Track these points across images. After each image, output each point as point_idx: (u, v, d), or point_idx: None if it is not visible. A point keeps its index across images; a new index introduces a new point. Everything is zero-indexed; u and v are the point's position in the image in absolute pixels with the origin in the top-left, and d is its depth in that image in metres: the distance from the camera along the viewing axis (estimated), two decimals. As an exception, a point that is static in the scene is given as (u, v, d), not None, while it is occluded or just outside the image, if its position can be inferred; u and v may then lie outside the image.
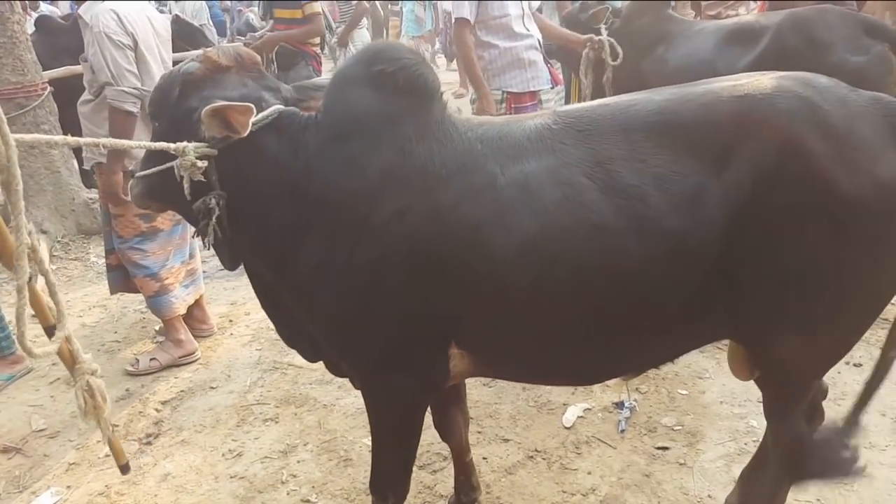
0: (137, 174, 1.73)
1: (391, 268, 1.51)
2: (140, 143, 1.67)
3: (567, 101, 4.85)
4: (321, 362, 1.88)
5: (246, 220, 1.62)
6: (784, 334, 1.53)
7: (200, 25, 6.67)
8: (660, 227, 1.41)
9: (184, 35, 4.93)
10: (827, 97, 1.45)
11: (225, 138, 1.54)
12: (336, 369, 1.84)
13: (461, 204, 1.48)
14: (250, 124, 1.51)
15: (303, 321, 1.71)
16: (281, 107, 1.62)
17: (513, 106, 3.41)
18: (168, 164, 1.59)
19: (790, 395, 1.72)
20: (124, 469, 1.78)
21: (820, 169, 1.38)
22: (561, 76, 3.61)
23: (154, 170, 1.65)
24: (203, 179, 1.55)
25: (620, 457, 2.43)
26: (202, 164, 1.52)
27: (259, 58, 1.72)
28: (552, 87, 3.54)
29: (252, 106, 1.51)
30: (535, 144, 1.51)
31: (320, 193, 1.56)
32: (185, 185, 1.55)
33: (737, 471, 2.34)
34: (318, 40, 4.62)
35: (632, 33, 3.70)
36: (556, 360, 1.65)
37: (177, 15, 6.05)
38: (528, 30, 3.39)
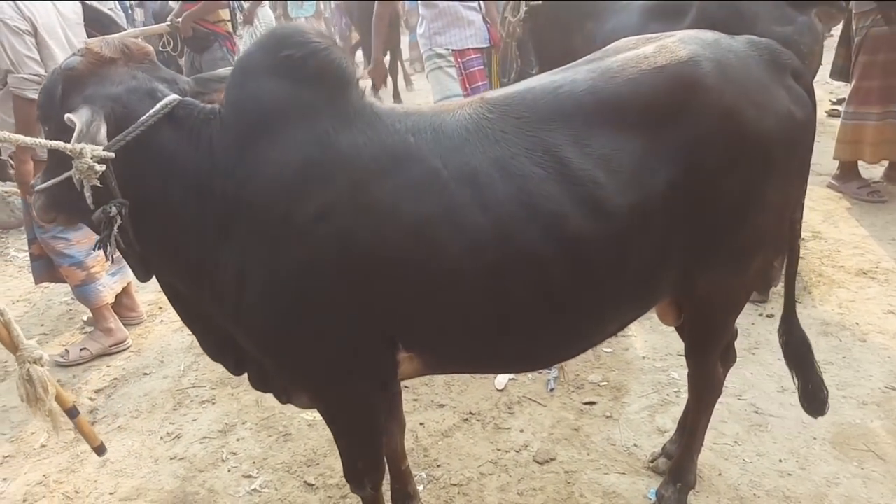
0: (38, 187, 1.56)
1: (322, 272, 1.41)
2: (35, 140, 1.46)
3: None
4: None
5: (151, 227, 1.48)
6: (714, 272, 1.66)
7: (108, 10, 6.38)
8: (615, 206, 1.44)
9: (92, 21, 4.71)
10: (724, 52, 1.56)
11: (118, 140, 1.39)
12: (261, 383, 1.71)
13: (401, 201, 1.40)
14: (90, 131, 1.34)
15: (235, 336, 1.59)
16: (175, 97, 1.48)
17: (460, 61, 3.59)
18: (67, 174, 1.39)
19: (713, 333, 1.88)
20: (100, 450, 1.71)
21: (741, 119, 1.50)
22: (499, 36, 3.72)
23: (54, 181, 1.48)
24: (101, 186, 1.38)
25: (551, 413, 2.55)
26: (100, 167, 1.35)
27: (150, 48, 1.57)
28: (489, 46, 3.67)
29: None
30: (475, 135, 1.46)
31: (233, 195, 1.43)
32: (87, 194, 1.37)
33: (660, 420, 2.49)
34: (228, 18, 4.52)
35: (561, 9, 3.76)
36: (516, 350, 1.62)
37: None
38: None
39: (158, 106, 1.43)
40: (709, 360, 1.93)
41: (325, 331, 1.47)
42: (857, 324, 3.01)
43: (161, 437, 2.61)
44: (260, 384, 1.71)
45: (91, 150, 1.34)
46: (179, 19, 4.30)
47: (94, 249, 1.45)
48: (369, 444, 1.72)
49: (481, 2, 3.62)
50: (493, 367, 1.85)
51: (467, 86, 3.54)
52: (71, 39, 2.98)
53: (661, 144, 1.47)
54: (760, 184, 1.57)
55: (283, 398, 1.72)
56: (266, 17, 6.49)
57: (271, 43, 1.49)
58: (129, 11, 9.52)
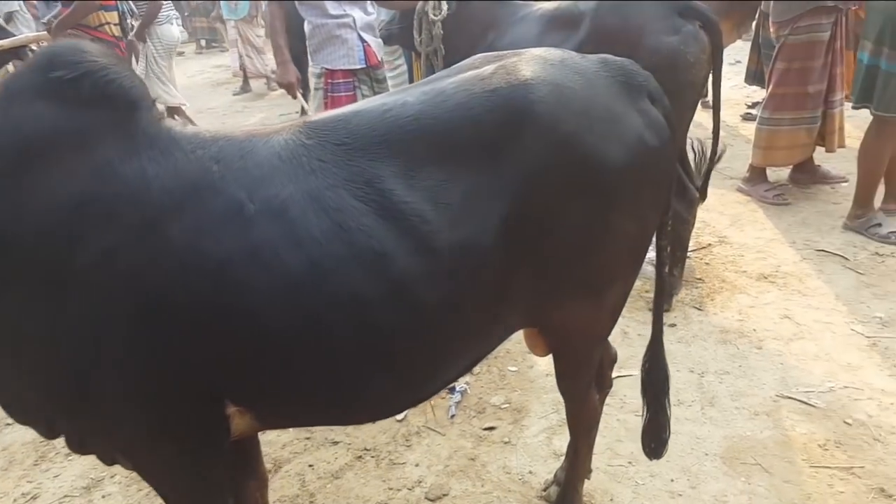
0: None
1: (109, 325, 1.25)
2: None
3: (411, 82, 4.86)
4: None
5: None
6: (568, 303, 1.62)
7: (11, 12, 6.04)
8: (443, 242, 1.34)
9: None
10: (566, 74, 1.50)
11: None
12: (78, 446, 1.49)
13: (199, 239, 1.25)
14: None
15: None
16: None
17: (328, 82, 3.49)
18: None
19: (578, 362, 1.85)
20: None
21: (581, 147, 1.45)
22: (378, 56, 3.60)
23: None
24: None
25: (449, 443, 2.50)
26: None
27: None
28: (364, 66, 3.55)
29: None
30: (288, 164, 1.33)
31: None
32: None
33: (557, 443, 2.48)
34: (113, 22, 4.33)
35: (464, 20, 3.72)
36: (353, 400, 1.49)
37: None
38: (344, 11, 3.45)
39: None
40: (579, 387, 1.91)
41: (127, 388, 1.30)
42: (754, 330, 3.06)
43: (14, 500, 2.41)
44: (77, 446, 1.49)
45: None
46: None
47: None
48: None
49: (358, 16, 3.49)
50: (334, 418, 1.74)
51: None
52: None
53: (493, 176, 1.39)
54: (607, 214, 1.52)
55: (108, 460, 1.52)
56: (166, 37, 6.15)
57: (42, 62, 1.32)
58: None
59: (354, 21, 3.43)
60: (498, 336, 1.65)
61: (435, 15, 3.67)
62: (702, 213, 4.30)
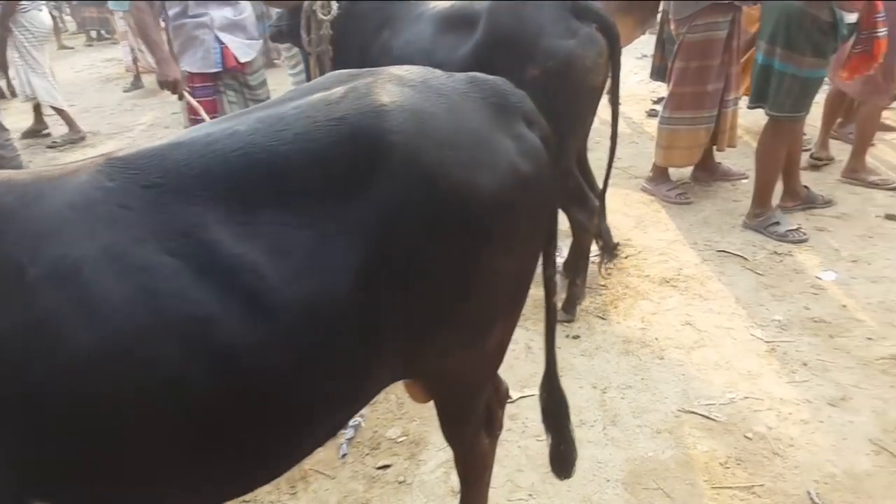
0: None
1: None
2: None
3: (308, 81, 4.59)
4: None
5: None
6: (445, 351, 1.46)
7: None
8: (286, 299, 1.14)
9: None
10: (428, 97, 1.31)
11: None
12: None
13: None
14: None
15: None
16: None
17: (189, 86, 3.24)
18: None
19: (462, 409, 1.69)
20: None
21: (444, 181, 1.26)
22: (243, 58, 3.32)
23: None
24: None
25: (338, 487, 2.30)
26: None
27: None
28: (222, 69, 3.28)
29: None
30: (83, 214, 1.08)
31: None
32: None
33: (454, 479, 2.31)
34: None
35: (356, 18, 3.48)
36: (178, 493, 1.24)
37: None
38: (206, 10, 3.17)
39: None
40: (465, 434, 1.75)
41: None
42: (656, 339, 3.00)
43: None
44: None
45: None
46: None
47: None
48: None
49: (217, 15, 3.20)
50: None
51: (188, 117, 3.18)
52: None
53: (344, 218, 1.19)
54: (481, 252, 1.35)
55: None
56: (35, 25, 5.61)
57: None
58: None
59: (212, 20, 3.15)
60: (366, 394, 1.45)
61: (324, 14, 3.44)
62: (607, 214, 4.27)
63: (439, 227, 1.28)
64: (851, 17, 3.29)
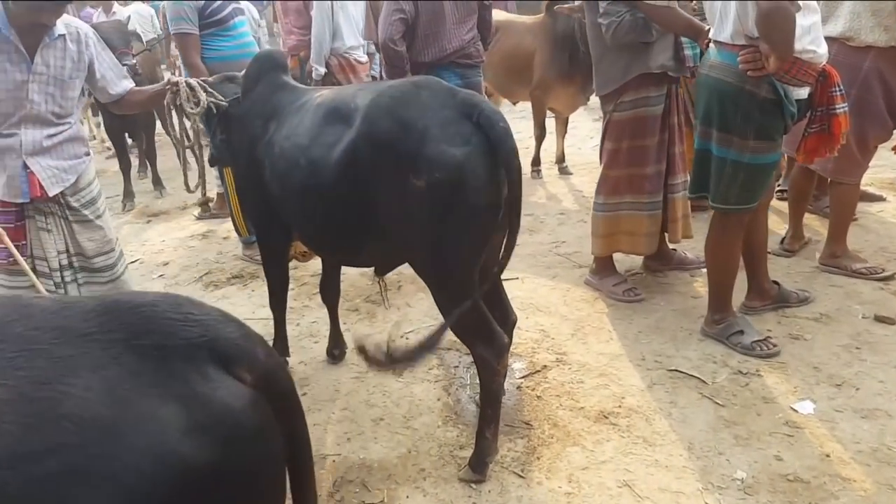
0: None
1: None
2: None
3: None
4: None
5: None
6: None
7: None
8: None
9: None
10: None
11: None
12: None
13: None
14: None
15: None
16: None
17: None
18: None
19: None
20: None
21: None
22: (45, 188, 2.70)
23: None
24: None
25: None
26: None
27: None
28: (30, 202, 2.69)
29: None
30: None
31: None
32: None
33: None
34: None
35: (248, 109, 2.90)
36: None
37: None
38: (17, 130, 2.61)
39: None
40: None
41: None
42: (585, 513, 2.31)
43: None
44: None
45: None
46: None
47: None
48: None
49: (29, 138, 2.64)
50: None
51: None
52: None
53: None
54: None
55: None
56: None
57: None
58: None
59: (21, 144, 2.58)
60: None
61: (191, 108, 2.91)
62: (543, 317, 3.62)
63: None
64: (802, 93, 2.68)
